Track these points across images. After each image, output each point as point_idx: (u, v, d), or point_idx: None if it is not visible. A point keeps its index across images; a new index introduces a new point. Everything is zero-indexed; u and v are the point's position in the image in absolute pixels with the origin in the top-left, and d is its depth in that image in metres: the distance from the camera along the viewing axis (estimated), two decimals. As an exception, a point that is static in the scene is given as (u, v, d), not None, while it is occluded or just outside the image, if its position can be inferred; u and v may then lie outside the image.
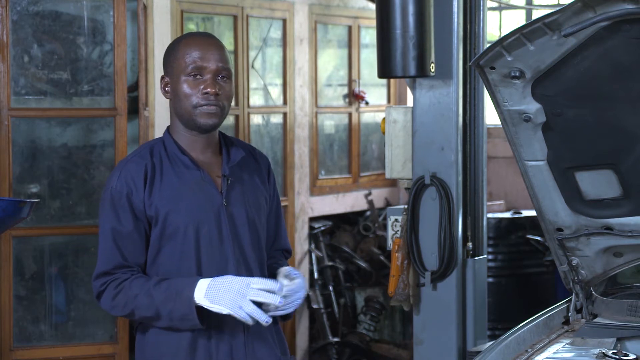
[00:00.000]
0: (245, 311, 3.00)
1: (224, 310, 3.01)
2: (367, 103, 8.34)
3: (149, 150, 3.18)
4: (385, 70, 4.67)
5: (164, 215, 3.10)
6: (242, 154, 3.25)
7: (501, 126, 3.36)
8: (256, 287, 3.01)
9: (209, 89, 3.09)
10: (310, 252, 7.91)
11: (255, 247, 3.22)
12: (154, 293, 3.05)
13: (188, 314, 3.03)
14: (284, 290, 3.07)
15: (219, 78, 3.13)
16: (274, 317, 3.21)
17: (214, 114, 3.12)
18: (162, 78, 3.20)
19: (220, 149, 3.24)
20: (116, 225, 3.11)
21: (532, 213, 6.62)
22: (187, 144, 3.19)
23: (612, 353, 3.19)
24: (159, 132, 6.29)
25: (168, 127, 3.26)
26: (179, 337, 3.11)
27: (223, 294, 3.00)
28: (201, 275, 3.10)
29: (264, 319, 3.02)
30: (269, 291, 3.02)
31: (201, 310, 3.04)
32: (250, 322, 3.02)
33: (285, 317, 3.25)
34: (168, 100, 3.23)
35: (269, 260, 3.33)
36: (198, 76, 3.11)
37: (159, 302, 3.05)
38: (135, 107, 5.97)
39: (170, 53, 3.18)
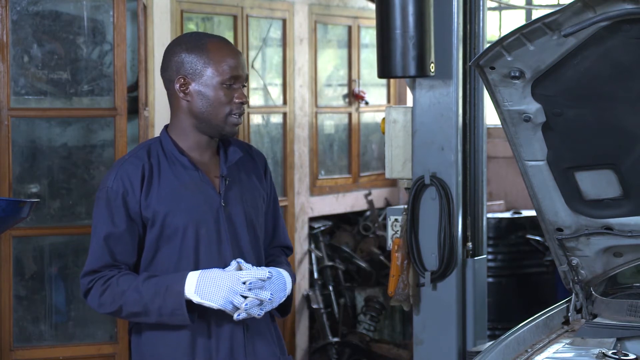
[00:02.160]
0: (235, 306, 3.01)
1: (214, 305, 3.02)
2: (367, 103, 8.34)
3: (146, 150, 3.17)
4: (385, 70, 4.67)
5: (163, 216, 3.10)
6: (240, 154, 3.24)
7: (501, 126, 3.36)
8: (246, 279, 3.01)
9: (243, 99, 3.12)
10: (310, 252, 7.91)
11: (254, 247, 3.21)
12: (142, 289, 3.05)
13: (177, 309, 3.03)
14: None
15: (242, 86, 3.16)
16: (271, 315, 3.22)
17: (240, 123, 3.16)
18: (179, 78, 3.12)
19: (217, 149, 3.24)
20: (109, 226, 3.10)
21: (532, 213, 6.62)
22: (189, 145, 3.18)
23: (612, 353, 3.19)
24: (158, 132, 6.26)
25: (166, 126, 3.23)
26: (177, 336, 3.11)
27: (214, 290, 3.00)
28: None
29: (256, 312, 3.03)
30: (260, 280, 3.03)
31: (190, 305, 3.04)
32: (236, 316, 3.02)
33: (283, 313, 3.25)
34: (167, 101, 3.22)
35: (266, 258, 3.32)
36: (232, 84, 3.12)
37: (147, 298, 3.04)
38: (135, 107, 5.96)
39: (195, 54, 3.11)
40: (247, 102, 3.16)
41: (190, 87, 3.12)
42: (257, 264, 3.20)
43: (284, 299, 3.15)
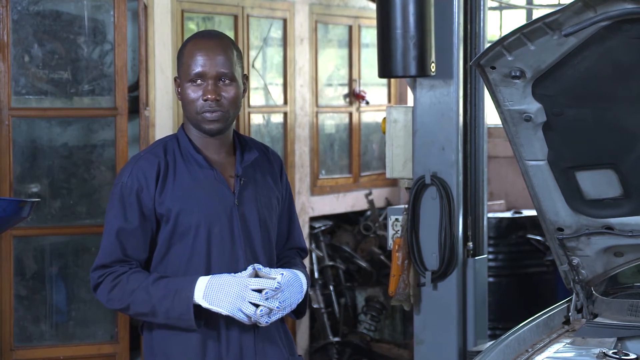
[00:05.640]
0: (244, 313, 3.02)
1: (222, 311, 3.02)
2: (367, 103, 8.34)
3: (162, 147, 3.18)
4: (386, 70, 4.67)
5: (176, 214, 3.10)
6: (256, 154, 3.24)
7: (501, 126, 3.36)
8: (254, 287, 3.02)
9: (208, 95, 3.08)
10: (310, 251, 7.91)
11: (266, 248, 3.21)
12: (151, 290, 3.05)
13: (185, 314, 3.03)
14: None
15: (220, 83, 3.11)
16: (281, 317, 3.22)
17: (217, 120, 3.11)
18: (175, 79, 3.20)
19: (234, 149, 3.24)
20: (122, 221, 3.11)
21: (533, 213, 6.62)
22: (200, 144, 3.18)
23: (613, 353, 3.18)
24: (159, 131, 6.29)
25: (182, 125, 3.25)
26: (188, 336, 3.11)
27: (222, 296, 3.01)
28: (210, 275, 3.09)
29: (264, 320, 3.04)
30: (266, 289, 3.03)
31: (198, 309, 3.04)
32: (248, 322, 3.04)
33: (298, 315, 3.25)
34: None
35: (281, 259, 3.32)
36: (199, 81, 3.10)
37: (156, 300, 3.05)
38: (135, 106, 5.97)
39: (179, 56, 3.18)
40: (216, 99, 3.08)
41: (180, 87, 3.17)
42: (269, 264, 3.19)
43: (300, 300, 3.15)
